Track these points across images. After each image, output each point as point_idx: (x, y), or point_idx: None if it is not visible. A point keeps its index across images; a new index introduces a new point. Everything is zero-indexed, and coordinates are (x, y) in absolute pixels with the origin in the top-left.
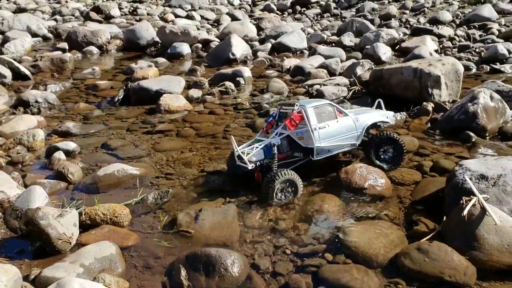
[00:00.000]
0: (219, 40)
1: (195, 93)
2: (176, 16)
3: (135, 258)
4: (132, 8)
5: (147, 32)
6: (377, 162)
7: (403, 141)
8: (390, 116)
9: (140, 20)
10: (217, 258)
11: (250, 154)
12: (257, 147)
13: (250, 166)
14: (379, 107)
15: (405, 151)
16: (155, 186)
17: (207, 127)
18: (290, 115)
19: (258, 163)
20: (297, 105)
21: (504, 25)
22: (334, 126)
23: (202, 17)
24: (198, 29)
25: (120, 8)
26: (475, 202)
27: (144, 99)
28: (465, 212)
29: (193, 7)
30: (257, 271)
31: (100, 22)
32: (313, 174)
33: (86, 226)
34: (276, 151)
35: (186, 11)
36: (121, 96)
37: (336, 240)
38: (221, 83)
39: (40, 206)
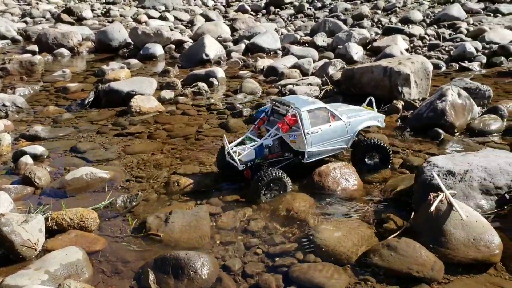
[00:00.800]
0: (192, 41)
1: (168, 94)
2: (150, 17)
3: (103, 263)
4: (104, 10)
5: (119, 33)
6: (361, 167)
7: (390, 149)
8: (382, 120)
9: (112, 21)
10: (186, 260)
11: (241, 154)
12: (249, 148)
13: (241, 167)
14: (370, 104)
15: (391, 158)
16: (125, 189)
17: (179, 129)
18: (284, 117)
19: (248, 163)
20: (292, 107)
21: (472, 24)
22: (327, 131)
23: (175, 18)
24: (172, 30)
25: (92, 10)
26: (443, 198)
27: (115, 101)
28: (433, 208)
29: (167, 8)
30: (227, 273)
31: (71, 24)
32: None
33: (52, 231)
34: (267, 153)
35: (160, 12)
36: (92, 98)
37: (307, 239)
38: (194, 84)
39: (3, 212)
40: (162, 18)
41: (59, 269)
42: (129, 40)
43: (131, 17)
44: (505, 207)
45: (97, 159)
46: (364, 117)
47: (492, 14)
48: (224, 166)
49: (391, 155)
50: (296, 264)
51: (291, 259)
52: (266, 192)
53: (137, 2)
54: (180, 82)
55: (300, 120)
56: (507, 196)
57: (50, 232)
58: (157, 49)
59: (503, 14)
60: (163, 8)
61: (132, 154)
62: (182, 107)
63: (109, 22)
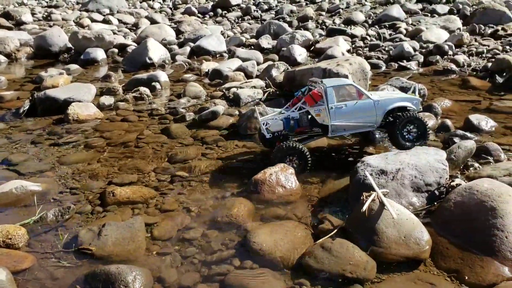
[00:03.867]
0: (136, 45)
1: (107, 100)
2: (93, 20)
3: (31, 281)
4: (46, 14)
5: (59, 38)
6: (403, 142)
7: (425, 119)
8: (417, 103)
9: (53, 25)
10: (116, 275)
11: (270, 124)
12: (277, 119)
13: (268, 135)
14: (414, 92)
15: (429, 129)
16: (57, 202)
17: (119, 136)
18: (310, 92)
19: (276, 133)
20: (319, 83)
21: (411, 24)
22: (352, 107)
23: (120, 21)
24: (115, 33)
25: (33, 14)
26: (375, 197)
27: (51, 109)
28: (365, 207)
29: (112, 11)
30: (162, 285)
31: (9, 28)
32: (225, 179)
33: None
34: (294, 124)
35: (104, 15)
36: (27, 107)
37: (244, 244)
38: (136, 89)
39: None
40: (106, 21)
41: None
42: (70, 45)
43: (73, 21)
44: (435, 203)
45: (30, 171)
46: (396, 98)
47: (429, 15)
48: (263, 138)
49: (429, 127)
50: (233, 271)
51: (227, 266)
52: (287, 162)
53: (80, 5)
54: (122, 87)
55: (325, 94)
56: (436, 192)
57: None
58: (99, 54)
59: (439, 15)
60: (107, 11)
61: (67, 164)
62: (123, 113)
63: (50, 26)
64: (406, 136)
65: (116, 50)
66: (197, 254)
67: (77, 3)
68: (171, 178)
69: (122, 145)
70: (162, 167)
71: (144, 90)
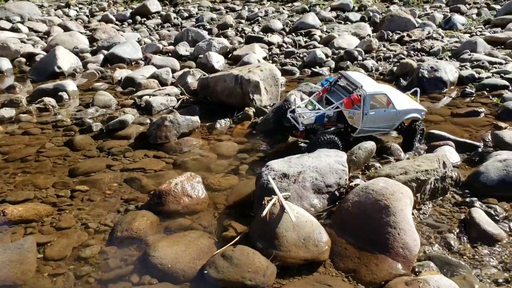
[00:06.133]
0: (45, 53)
1: (7, 112)
2: (0, 28)
3: None
4: None
5: None
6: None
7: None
8: (424, 113)
9: None
10: None
11: (304, 118)
12: (313, 114)
13: (301, 128)
14: (415, 94)
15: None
16: None
17: (18, 150)
18: (350, 95)
19: (308, 126)
20: (359, 88)
21: (326, 31)
22: (380, 115)
23: (31, 29)
24: (24, 42)
25: None
26: (275, 201)
27: None
28: (265, 212)
29: (23, 18)
30: None
31: None
32: (130, 192)
33: None
34: (326, 121)
35: (13, 23)
36: None
37: (143, 259)
38: (40, 100)
39: None
40: (14, 29)
41: None
42: None
43: None
44: (336, 203)
45: None
46: (411, 109)
47: (342, 22)
48: (279, 121)
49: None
50: None
51: (125, 283)
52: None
53: None
54: (25, 99)
55: (364, 101)
56: (337, 193)
57: None
58: (4, 63)
59: (352, 22)
60: (18, 19)
61: None
62: (25, 125)
63: None
64: (416, 144)
65: (23, 60)
66: (93, 272)
67: None
68: (71, 193)
69: (20, 160)
70: (62, 181)
71: (49, 100)
